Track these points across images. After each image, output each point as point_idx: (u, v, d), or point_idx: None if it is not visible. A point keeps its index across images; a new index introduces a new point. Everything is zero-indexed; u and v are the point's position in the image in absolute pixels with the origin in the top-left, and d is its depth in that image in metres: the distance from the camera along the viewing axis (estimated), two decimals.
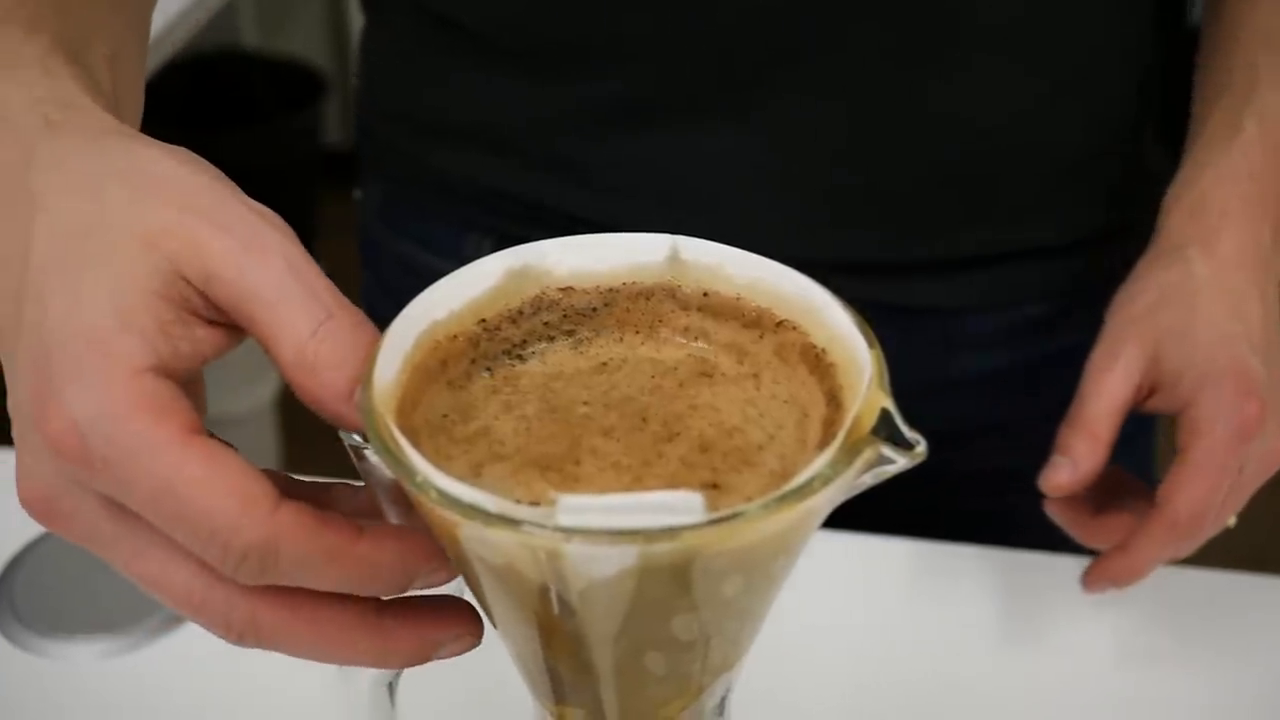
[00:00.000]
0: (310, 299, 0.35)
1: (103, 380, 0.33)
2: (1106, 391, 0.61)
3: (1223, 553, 0.66)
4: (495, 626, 0.37)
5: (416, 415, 0.35)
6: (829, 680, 0.63)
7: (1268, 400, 0.60)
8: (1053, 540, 0.69)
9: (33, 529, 0.70)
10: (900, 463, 0.33)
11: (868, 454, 0.33)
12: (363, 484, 0.37)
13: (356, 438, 0.35)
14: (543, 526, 0.31)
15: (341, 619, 0.35)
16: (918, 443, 0.33)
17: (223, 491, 0.33)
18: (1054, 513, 0.64)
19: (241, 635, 0.35)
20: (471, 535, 0.32)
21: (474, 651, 0.39)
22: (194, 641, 0.65)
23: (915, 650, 0.65)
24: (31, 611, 0.66)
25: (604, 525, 0.30)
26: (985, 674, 0.64)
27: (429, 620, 0.36)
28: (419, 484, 0.32)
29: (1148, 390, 0.63)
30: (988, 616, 0.67)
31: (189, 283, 0.35)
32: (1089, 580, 0.63)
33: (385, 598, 0.36)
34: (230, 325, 0.36)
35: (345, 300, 0.36)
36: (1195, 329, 0.61)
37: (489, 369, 0.38)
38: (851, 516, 0.34)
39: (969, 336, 0.75)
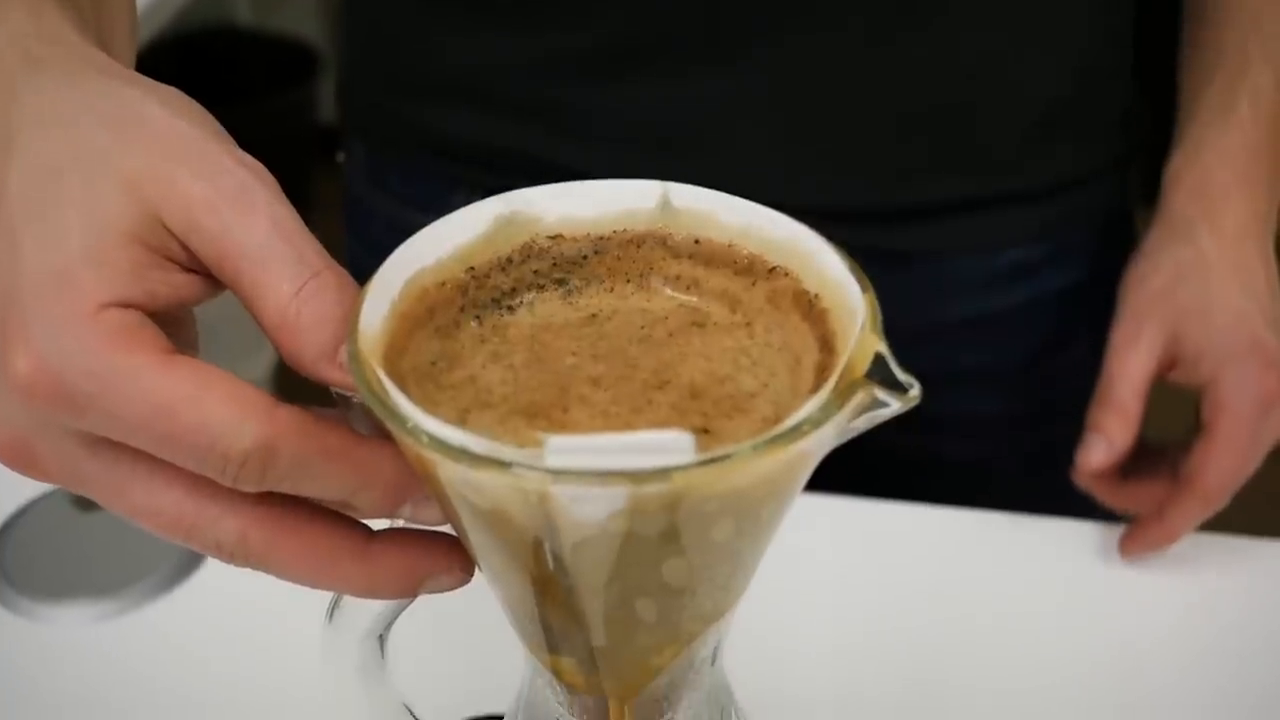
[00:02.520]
0: (295, 258, 0.35)
1: (69, 317, 0.33)
2: (1132, 371, 0.66)
3: (1220, 522, 0.67)
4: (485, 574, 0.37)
5: (404, 362, 0.35)
6: (823, 636, 0.63)
7: None
8: (1034, 485, 0.71)
9: (23, 493, 0.70)
10: (894, 406, 0.33)
11: (861, 397, 0.32)
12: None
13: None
14: (531, 468, 0.30)
15: (330, 541, 0.35)
16: (911, 385, 0.33)
17: (218, 400, 0.33)
18: (1085, 484, 0.66)
19: (233, 554, 0.35)
20: (459, 478, 0.31)
21: (465, 603, 0.39)
22: (186, 605, 0.65)
23: (908, 613, 0.65)
24: (23, 576, 0.66)
25: (593, 466, 0.30)
26: (978, 635, 0.64)
27: (418, 551, 0.36)
28: (408, 429, 0.31)
29: (1168, 364, 0.67)
30: (980, 578, 0.67)
31: (169, 231, 0.35)
32: (1126, 547, 0.67)
33: (376, 526, 0.36)
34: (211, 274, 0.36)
35: (331, 260, 0.35)
36: (1212, 308, 0.65)
37: (477, 318, 0.37)
38: (837, 461, 0.34)
39: (956, 281, 0.76)
